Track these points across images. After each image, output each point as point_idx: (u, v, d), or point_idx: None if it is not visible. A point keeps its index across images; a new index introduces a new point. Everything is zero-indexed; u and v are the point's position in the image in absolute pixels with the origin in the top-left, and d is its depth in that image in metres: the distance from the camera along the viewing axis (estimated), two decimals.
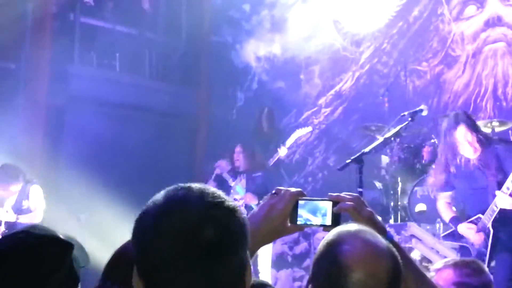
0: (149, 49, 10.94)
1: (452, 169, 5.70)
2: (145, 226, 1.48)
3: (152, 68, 10.88)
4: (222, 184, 7.38)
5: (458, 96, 9.69)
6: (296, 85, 11.18)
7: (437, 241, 6.41)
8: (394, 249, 1.87)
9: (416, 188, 7.53)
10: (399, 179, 7.94)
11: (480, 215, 5.54)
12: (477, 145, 5.53)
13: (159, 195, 1.51)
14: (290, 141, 8.27)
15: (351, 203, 2.03)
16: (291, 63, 11.11)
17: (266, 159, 7.97)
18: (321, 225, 2.05)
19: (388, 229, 5.81)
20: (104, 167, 9.35)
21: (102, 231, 7.65)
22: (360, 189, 4.81)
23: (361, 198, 2.09)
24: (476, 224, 5.57)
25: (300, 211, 2.05)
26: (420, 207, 7.48)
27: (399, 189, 7.87)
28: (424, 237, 6.53)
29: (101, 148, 9.49)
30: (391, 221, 7.60)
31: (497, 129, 7.83)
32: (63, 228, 2.22)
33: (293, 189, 2.08)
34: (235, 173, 7.58)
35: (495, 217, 5.42)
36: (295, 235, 8.70)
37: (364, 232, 1.86)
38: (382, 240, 1.86)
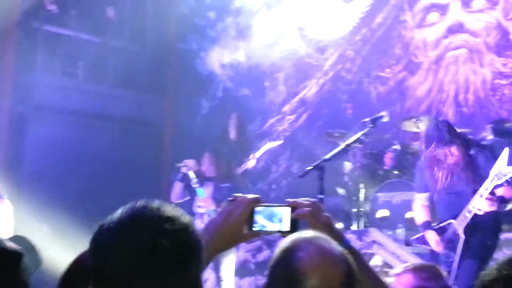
0: (114, 57, 10.88)
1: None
2: (103, 240, 1.54)
3: (117, 76, 10.82)
4: (189, 185, 7.32)
5: (420, 102, 9.78)
6: (260, 92, 11.20)
7: (398, 246, 6.47)
8: (348, 255, 1.89)
9: (378, 194, 7.58)
10: (361, 185, 7.98)
11: (451, 220, 5.55)
12: (457, 153, 5.55)
13: (118, 211, 1.59)
14: (259, 153, 8.27)
15: (308, 209, 2.05)
16: (255, 70, 11.14)
17: (233, 167, 7.95)
18: (278, 231, 2.07)
19: (349, 235, 5.88)
20: (68, 176, 9.28)
21: (65, 241, 7.57)
22: (321, 196, 4.83)
23: (318, 204, 2.11)
24: (446, 229, 5.60)
25: (257, 218, 2.06)
26: (382, 213, 7.54)
27: (361, 195, 7.92)
28: (385, 243, 6.59)
29: (65, 157, 9.41)
30: (354, 227, 7.64)
31: None
32: None
33: (250, 196, 2.10)
34: (202, 179, 7.53)
35: (467, 223, 5.43)
36: (258, 242, 8.72)
37: (319, 239, 1.88)
38: (336, 247, 1.88)
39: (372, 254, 6.76)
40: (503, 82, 9.20)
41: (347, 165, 8.50)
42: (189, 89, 11.51)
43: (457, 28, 9.67)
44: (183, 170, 7.32)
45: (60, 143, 9.35)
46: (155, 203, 1.59)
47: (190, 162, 7.37)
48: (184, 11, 11.49)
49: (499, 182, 5.27)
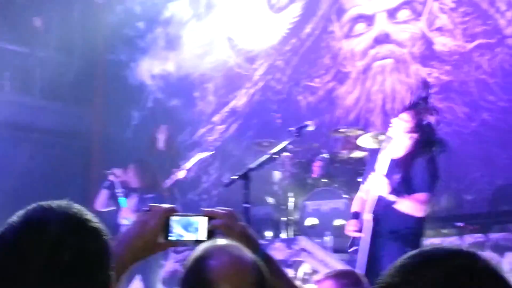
0: (41, 67, 10.70)
1: None
2: (1, 247, 1.43)
3: (44, 87, 10.64)
4: (114, 194, 7.24)
5: (349, 111, 9.91)
6: (190, 103, 11.18)
7: (326, 254, 6.54)
8: (261, 263, 1.91)
9: (307, 203, 7.63)
10: (290, 194, 8.03)
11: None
12: None
13: (18, 215, 1.45)
14: (190, 164, 8.24)
15: (222, 220, 2.06)
16: (185, 81, 11.11)
17: (161, 178, 7.90)
18: (195, 241, 2.07)
19: (278, 243, 5.90)
20: None
21: None
22: (247, 205, 4.83)
23: (234, 213, 2.12)
24: (357, 217, 5.58)
25: (173, 227, 2.06)
26: (311, 221, 7.60)
27: (290, 204, 7.96)
28: (314, 251, 6.65)
29: None
30: (283, 236, 7.68)
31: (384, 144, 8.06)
32: None
33: (165, 206, 2.10)
34: (128, 189, 7.46)
35: (375, 207, 5.42)
36: (187, 252, 8.66)
37: (230, 247, 1.89)
38: (248, 254, 1.89)
39: (301, 262, 6.81)
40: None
41: (276, 174, 8.54)
42: (119, 100, 11.40)
43: (383, 39, 9.85)
44: (110, 178, 7.24)
45: None
46: (59, 204, 1.47)
47: (118, 171, 7.30)
48: (113, 21, 11.40)
49: None
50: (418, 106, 5.70)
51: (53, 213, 1.45)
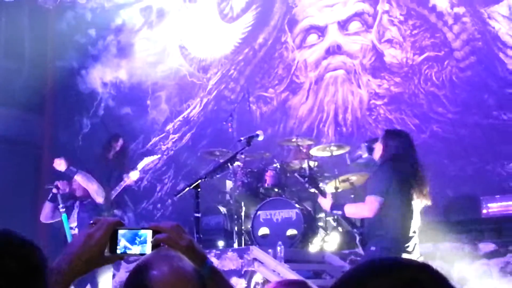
0: None
1: None
2: None
3: None
4: (58, 205, 7.13)
5: (302, 121, 9.97)
6: (143, 111, 11.11)
7: (278, 263, 6.54)
8: (202, 274, 1.91)
9: (259, 212, 7.62)
10: (243, 203, 8.02)
11: None
12: None
13: None
14: (141, 166, 8.16)
15: (166, 234, 2.06)
16: (137, 89, 11.04)
17: (109, 186, 7.82)
18: (140, 254, 2.06)
19: (230, 253, 5.86)
20: None
21: None
22: (197, 214, 4.82)
23: (180, 226, 2.11)
24: None
25: (120, 240, 2.05)
26: (263, 230, 7.60)
27: (242, 213, 7.95)
28: (266, 260, 6.64)
29: None
30: (235, 245, 7.67)
31: (335, 153, 8.14)
32: None
33: (111, 219, 2.09)
34: (71, 198, 7.36)
35: None
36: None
37: (171, 257, 1.90)
38: (190, 264, 1.89)
39: (254, 272, 6.79)
40: (379, 102, 9.54)
41: (229, 184, 8.54)
42: (69, 107, 11.26)
43: (335, 50, 9.96)
44: (54, 191, 7.14)
45: None
46: (5, 229, 1.55)
47: (62, 183, 7.20)
48: (63, 28, 11.26)
49: None
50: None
51: None
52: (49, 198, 7.21)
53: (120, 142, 8.97)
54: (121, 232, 2.06)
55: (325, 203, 5.77)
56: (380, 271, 1.31)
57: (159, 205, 10.68)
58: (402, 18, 9.55)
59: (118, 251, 2.05)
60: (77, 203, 7.23)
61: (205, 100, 10.86)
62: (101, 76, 10.98)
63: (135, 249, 2.05)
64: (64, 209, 6.89)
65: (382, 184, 5.50)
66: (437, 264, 5.81)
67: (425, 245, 7.39)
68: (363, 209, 5.56)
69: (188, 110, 10.92)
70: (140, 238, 2.06)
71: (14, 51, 10.92)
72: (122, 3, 11.22)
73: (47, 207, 7.27)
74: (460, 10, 9.16)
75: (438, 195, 8.52)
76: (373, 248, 5.44)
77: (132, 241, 2.06)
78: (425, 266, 1.33)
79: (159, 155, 8.94)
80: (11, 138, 10.34)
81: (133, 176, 7.96)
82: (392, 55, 9.52)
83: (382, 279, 1.29)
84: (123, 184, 7.92)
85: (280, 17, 10.50)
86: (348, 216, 5.83)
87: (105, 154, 8.89)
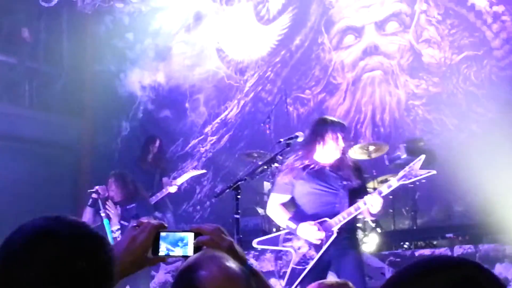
0: (29, 78, 10.69)
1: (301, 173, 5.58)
2: (13, 255, 1.46)
3: (33, 98, 10.63)
4: (99, 210, 7.22)
5: None
6: (181, 114, 11.17)
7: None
8: (249, 274, 1.93)
9: None
10: None
11: (327, 219, 5.42)
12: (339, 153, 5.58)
13: (27, 225, 1.50)
14: (182, 180, 8.25)
15: (208, 236, 2.09)
16: (175, 92, 11.12)
17: (148, 188, 7.91)
18: (183, 256, 2.10)
19: (269, 254, 5.85)
20: None
21: None
22: (237, 216, 4.85)
23: (221, 228, 2.16)
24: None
25: (162, 243, 2.10)
26: None
27: None
28: None
29: None
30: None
31: (373, 155, 8.10)
32: None
33: (154, 221, 2.13)
34: (113, 204, 7.43)
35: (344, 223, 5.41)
36: (178, 263, 8.66)
37: (219, 257, 1.92)
38: (237, 265, 1.92)
39: None
40: (417, 102, 9.48)
41: (266, 185, 8.57)
42: (108, 110, 11.37)
43: (372, 50, 9.92)
44: (94, 196, 7.24)
45: None
46: (69, 217, 1.53)
47: (101, 188, 7.29)
48: (101, 32, 11.39)
49: (407, 182, 5.45)
50: None
51: (61, 224, 1.51)
52: (89, 203, 7.31)
53: (157, 143, 9.08)
54: (163, 234, 2.11)
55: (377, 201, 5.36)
56: (432, 270, 1.30)
57: (198, 207, 10.75)
58: (440, 17, 9.47)
59: (161, 253, 2.10)
60: (119, 207, 7.30)
61: (242, 102, 10.90)
62: (139, 80, 11.09)
63: (177, 251, 2.10)
64: (104, 215, 6.98)
65: None
66: None
67: (465, 246, 7.33)
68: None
69: (226, 112, 10.97)
70: (182, 241, 2.11)
71: (53, 56, 11.09)
72: (159, 7, 11.32)
73: (88, 212, 7.36)
74: (499, 8, 9.06)
75: (477, 196, 8.45)
76: None
77: (174, 243, 2.11)
78: (476, 265, 1.32)
79: (204, 171, 9.03)
80: (50, 142, 10.49)
81: (172, 189, 8.05)
82: (430, 55, 9.45)
83: (434, 278, 1.29)
84: (159, 196, 8.01)
85: (316, 18, 10.49)
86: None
87: (144, 157, 9.01)
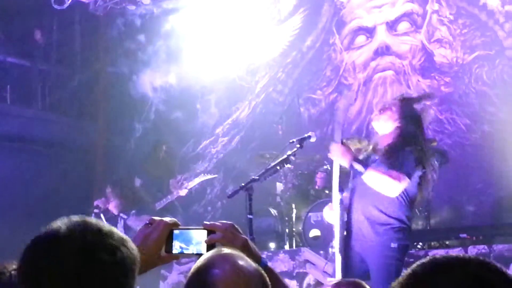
0: (42, 80, 10.74)
1: None
2: (39, 251, 1.54)
3: (45, 100, 10.67)
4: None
5: (351, 123, 9.91)
6: (193, 115, 11.19)
7: (330, 265, 6.53)
8: (263, 272, 1.92)
9: (310, 214, 7.62)
10: (293, 205, 8.04)
11: None
12: None
13: (59, 223, 1.58)
14: (192, 184, 8.26)
15: (221, 233, 2.08)
16: (187, 93, 11.12)
17: (162, 192, 7.94)
18: (196, 254, 2.09)
19: (282, 255, 5.84)
20: None
21: None
22: (250, 216, 4.84)
23: (234, 226, 2.15)
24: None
25: (175, 241, 2.09)
26: (314, 232, 7.59)
27: (293, 215, 7.97)
28: (317, 262, 6.65)
29: None
30: (286, 247, 7.68)
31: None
32: None
33: (167, 219, 2.12)
34: (113, 216, 7.49)
35: None
36: (191, 264, 8.67)
37: (234, 256, 1.90)
38: (251, 263, 1.90)
39: (305, 273, 6.81)
40: (428, 103, 9.41)
41: (279, 186, 8.57)
42: (121, 112, 11.40)
43: (383, 51, 9.89)
44: (95, 211, 7.31)
45: None
46: (92, 219, 1.61)
47: (100, 202, 7.36)
48: (113, 34, 11.42)
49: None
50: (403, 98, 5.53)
51: (90, 223, 1.60)
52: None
53: (164, 149, 9.09)
54: (176, 232, 2.10)
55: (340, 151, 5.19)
56: (443, 268, 1.30)
57: (209, 208, 10.75)
58: (451, 17, 9.43)
59: (175, 251, 2.10)
60: (120, 218, 7.32)
61: (253, 103, 10.90)
62: (151, 81, 11.09)
63: (191, 249, 2.10)
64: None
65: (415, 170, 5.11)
66: None
67: (479, 246, 7.30)
68: (389, 185, 4.95)
69: (237, 113, 10.98)
70: (195, 238, 2.10)
71: (66, 58, 11.14)
72: (170, 9, 11.33)
73: None
74: None
75: (490, 196, 8.42)
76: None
77: (187, 241, 2.10)
78: (487, 263, 1.32)
79: (216, 175, 9.04)
80: (63, 144, 10.52)
81: (182, 193, 8.07)
82: (442, 54, 9.42)
83: (446, 276, 1.29)
84: (166, 201, 8.02)
85: (328, 19, 10.48)
86: (365, 181, 5.14)
87: (151, 162, 9.03)
